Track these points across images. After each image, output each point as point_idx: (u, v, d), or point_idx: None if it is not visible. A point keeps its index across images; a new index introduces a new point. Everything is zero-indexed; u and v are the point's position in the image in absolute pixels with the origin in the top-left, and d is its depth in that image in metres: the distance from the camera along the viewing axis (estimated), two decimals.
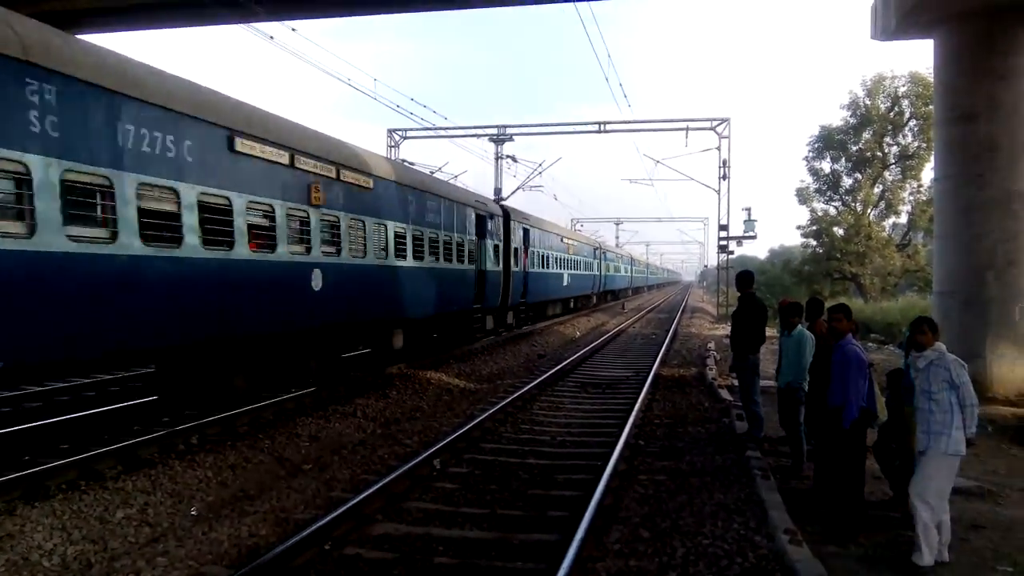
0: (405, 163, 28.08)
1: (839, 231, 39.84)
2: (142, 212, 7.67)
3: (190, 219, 8.34)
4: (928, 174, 37.19)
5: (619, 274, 56.88)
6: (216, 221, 8.82)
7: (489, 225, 20.11)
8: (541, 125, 38.98)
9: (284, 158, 10.13)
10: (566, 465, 8.46)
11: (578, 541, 5.62)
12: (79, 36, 17.74)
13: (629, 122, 34.69)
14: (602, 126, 35.74)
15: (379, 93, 26.86)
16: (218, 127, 8.92)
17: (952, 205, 14.42)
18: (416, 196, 14.83)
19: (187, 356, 9.24)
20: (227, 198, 8.99)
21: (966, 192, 13.98)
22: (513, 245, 22.53)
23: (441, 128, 35.32)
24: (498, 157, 37.90)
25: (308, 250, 10.72)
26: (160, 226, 7.98)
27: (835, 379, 6.53)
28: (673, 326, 29.81)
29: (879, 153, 39.15)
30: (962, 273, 14.11)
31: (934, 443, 5.66)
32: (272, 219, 9.90)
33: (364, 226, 12.47)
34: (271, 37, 15.53)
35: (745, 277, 10.03)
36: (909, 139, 38.40)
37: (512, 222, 22.71)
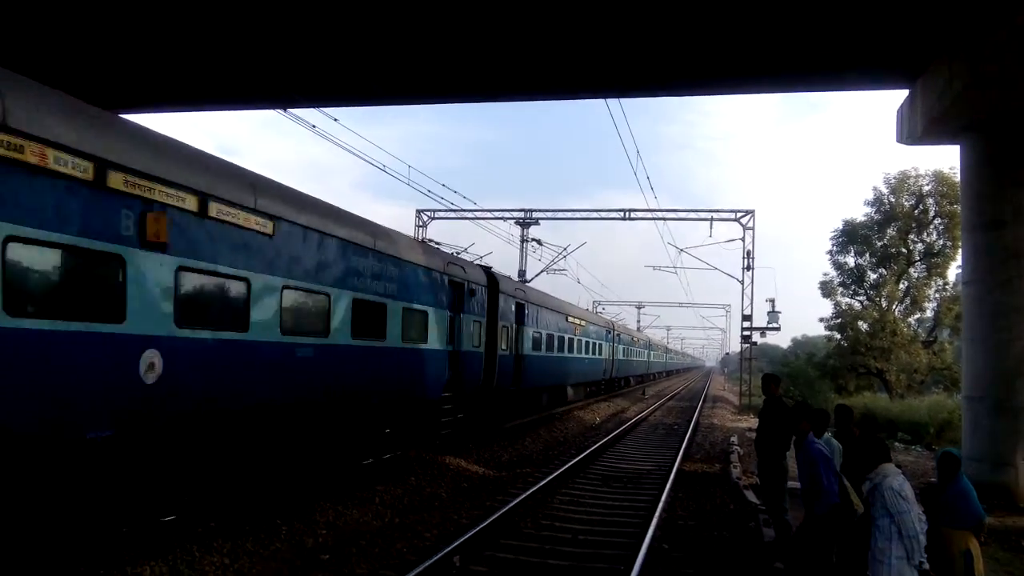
0: (431, 242, 28.40)
1: (864, 325, 39.52)
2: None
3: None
4: (953, 272, 37.06)
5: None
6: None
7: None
8: (567, 210, 39.52)
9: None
10: (588, 568, 8.28)
11: None
12: (136, 113, 18.62)
13: (654, 210, 35.15)
14: (627, 213, 36.26)
15: (413, 179, 27.52)
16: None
17: (980, 309, 14.35)
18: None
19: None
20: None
21: (994, 297, 13.93)
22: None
23: (468, 210, 35.99)
24: (523, 240, 38.45)
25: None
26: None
27: (801, 478, 7.15)
28: (695, 416, 29.42)
29: (904, 249, 39.13)
30: (991, 379, 13.93)
31: (875, 572, 5.54)
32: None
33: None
34: (314, 127, 16.17)
35: (771, 380, 10.00)
36: (934, 237, 38.42)
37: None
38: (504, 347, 19.63)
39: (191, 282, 8.05)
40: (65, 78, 15.39)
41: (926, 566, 5.55)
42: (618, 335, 42.66)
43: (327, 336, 10.75)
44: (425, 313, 14.29)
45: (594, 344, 34.63)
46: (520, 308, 21.44)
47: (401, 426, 13.60)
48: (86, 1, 12.76)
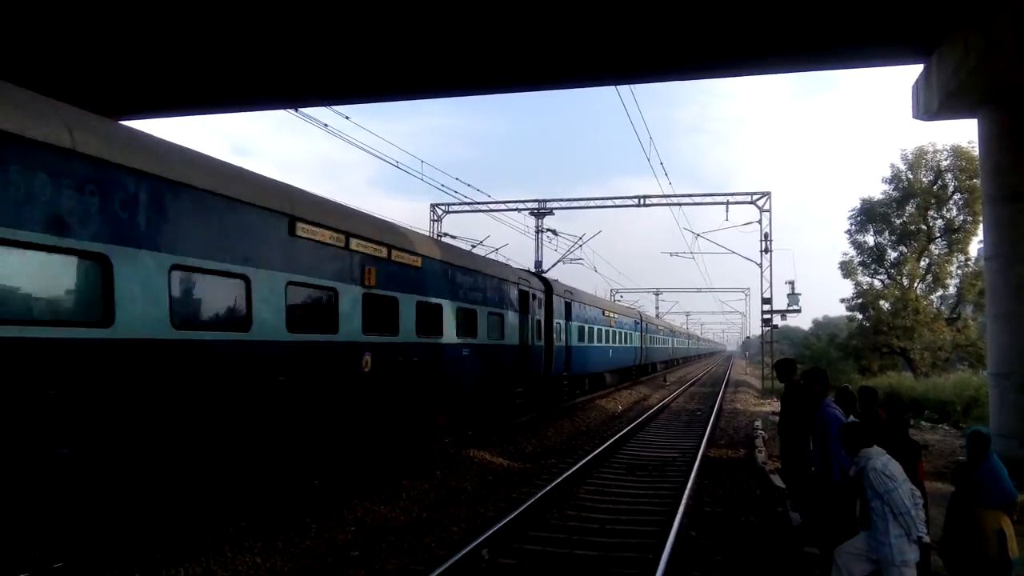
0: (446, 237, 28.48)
1: (885, 305, 39.10)
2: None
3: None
4: (975, 247, 36.55)
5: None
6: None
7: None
8: (581, 199, 39.30)
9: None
10: (616, 558, 8.29)
11: None
12: (139, 120, 18.61)
13: (669, 196, 34.97)
14: (642, 200, 36.10)
15: (426, 174, 27.71)
16: None
17: (1003, 284, 14.19)
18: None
19: None
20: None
21: (1017, 271, 13.77)
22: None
23: (482, 203, 36.00)
24: (539, 231, 38.42)
25: None
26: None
27: (815, 444, 7.01)
28: (717, 401, 29.34)
29: (924, 226, 38.60)
30: (1017, 354, 13.77)
31: (881, 554, 5.49)
32: None
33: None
34: (326, 125, 16.20)
35: (787, 367, 9.93)
36: (954, 212, 37.85)
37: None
38: (647, 345, 42.95)
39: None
40: (65, 84, 15.35)
41: (926, 539, 5.51)
42: (672, 330, 62.38)
43: (613, 343, 33.15)
44: (633, 334, 38.92)
45: (667, 339, 56.40)
46: (646, 325, 43.39)
47: (627, 376, 38.92)
48: (89, 2, 12.73)
